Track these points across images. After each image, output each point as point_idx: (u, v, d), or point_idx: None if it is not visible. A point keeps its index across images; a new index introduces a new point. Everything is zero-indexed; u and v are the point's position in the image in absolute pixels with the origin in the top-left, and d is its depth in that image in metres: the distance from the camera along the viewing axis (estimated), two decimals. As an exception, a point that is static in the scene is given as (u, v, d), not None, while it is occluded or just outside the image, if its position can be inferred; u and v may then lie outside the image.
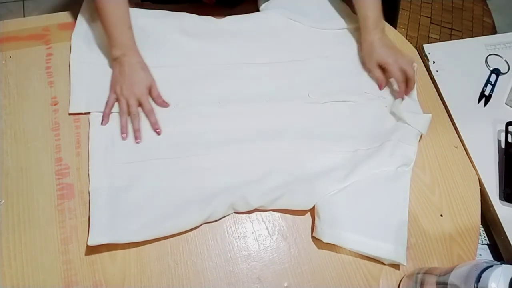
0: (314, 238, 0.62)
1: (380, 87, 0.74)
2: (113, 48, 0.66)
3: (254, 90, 0.71)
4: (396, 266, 0.61)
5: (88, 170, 0.61)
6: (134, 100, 0.65)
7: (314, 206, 0.62)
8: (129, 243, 0.58)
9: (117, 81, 0.66)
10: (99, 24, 0.70)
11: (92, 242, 0.55)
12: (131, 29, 0.67)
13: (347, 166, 0.65)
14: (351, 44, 0.79)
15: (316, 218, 0.61)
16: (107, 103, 0.65)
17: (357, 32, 0.79)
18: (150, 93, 0.67)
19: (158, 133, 0.65)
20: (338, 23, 0.81)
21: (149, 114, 0.66)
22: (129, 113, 0.65)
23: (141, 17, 0.74)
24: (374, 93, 0.75)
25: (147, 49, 0.70)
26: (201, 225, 0.60)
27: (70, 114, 0.66)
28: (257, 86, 0.72)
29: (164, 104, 0.67)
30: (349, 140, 0.68)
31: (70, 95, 0.67)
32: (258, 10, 0.82)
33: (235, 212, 0.62)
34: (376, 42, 0.73)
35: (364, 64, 0.77)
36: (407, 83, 0.72)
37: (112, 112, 0.66)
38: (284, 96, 0.71)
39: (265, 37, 0.77)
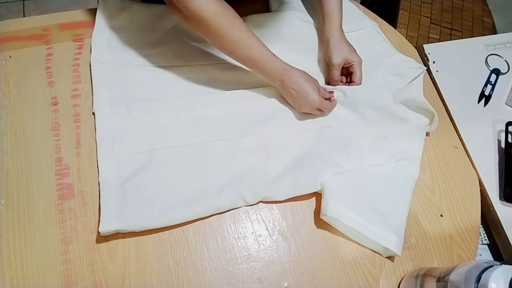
0: (314, 239, 0.62)
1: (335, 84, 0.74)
2: (271, 82, 0.68)
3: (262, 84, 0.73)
4: (396, 266, 0.61)
5: (97, 161, 0.61)
6: (318, 112, 0.69)
7: (319, 194, 0.63)
8: (129, 241, 0.58)
9: (295, 105, 0.69)
10: (118, 24, 0.73)
11: (103, 229, 0.55)
12: (271, 55, 0.65)
13: (347, 148, 0.67)
14: (363, 45, 0.79)
15: (322, 199, 0.62)
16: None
17: (370, 33, 0.80)
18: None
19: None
20: (350, 26, 0.81)
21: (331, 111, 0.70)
22: None
23: (158, 18, 0.75)
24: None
25: (167, 47, 0.72)
26: (209, 216, 0.61)
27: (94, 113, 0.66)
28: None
29: (331, 94, 0.71)
30: (349, 121, 0.70)
31: (92, 94, 0.67)
32: (245, 8, 0.82)
33: (239, 208, 0.62)
34: (343, 40, 0.73)
35: (329, 58, 0.73)
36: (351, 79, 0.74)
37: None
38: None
39: (281, 38, 0.77)
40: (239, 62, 0.67)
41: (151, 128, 0.65)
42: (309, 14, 0.81)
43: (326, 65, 0.77)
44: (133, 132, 0.64)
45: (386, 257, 0.62)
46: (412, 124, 0.71)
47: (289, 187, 0.63)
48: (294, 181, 0.63)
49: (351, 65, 0.72)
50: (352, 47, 0.73)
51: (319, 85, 0.68)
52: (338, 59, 0.71)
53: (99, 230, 0.55)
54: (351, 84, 0.73)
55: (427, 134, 0.72)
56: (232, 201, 0.61)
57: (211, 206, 0.60)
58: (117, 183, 0.60)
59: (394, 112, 0.71)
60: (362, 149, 0.68)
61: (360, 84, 0.72)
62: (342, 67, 0.73)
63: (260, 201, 0.63)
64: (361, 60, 0.72)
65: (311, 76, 0.68)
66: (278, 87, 0.69)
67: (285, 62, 0.66)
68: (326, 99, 0.69)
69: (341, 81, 0.74)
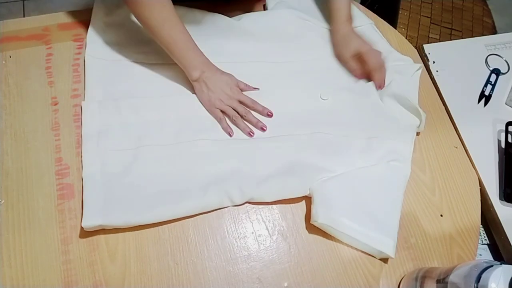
0: (314, 239, 0.62)
1: (359, 77, 0.75)
2: (190, 71, 0.66)
3: (258, 85, 0.72)
4: (396, 266, 0.61)
5: (81, 156, 0.61)
6: (237, 103, 0.68)
7: (309, 197, 0.63)
8: (129, 241, 0.58)
9: (211, 98, 0.67)
10: (113, 20, 0.73)
11: (86, 224, 0.55)
12: (195, 44, 0.66)
13: (337, 152, 0.66)
14: None
15: (312, 204, 0.61)
16: (219, 121, 0.67)
17: (368, 31, 0.80)
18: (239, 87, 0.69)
19: (270, 116, 0.68)
20: None
21: (255, 106, 0.69)
22: (241, 115, 0.68)
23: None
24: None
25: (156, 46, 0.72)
26: (197, 215, 0.60)
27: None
28: (263, 82, 0.72)
29: (255, 89, 0.71)
30: (339, 124, 0.69)
31: (85, 89, 0.67)
32: (249, 6, 0.83)
33: (234, 206, 0.62)
34: (350, 33, 0.74)
35: (338, 56, 0.76)
36: (379, 72, 0.73)
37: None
38: (292, 95, 0.72)
39: (276, 36, 0.77)
40: (161, 45, 0.65)
41: (138, 125, 0.65)
42: (307, 13, 0.81)
43: (326, 62, 0.77)
44: (120, 128, 0.64)
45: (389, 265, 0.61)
46: (403, 124, 0.71)
47: (277, 189, 0.62)
48: (282, 185, 0.62)
49: (362, 54, 0.72)
50: (361, 38, 0.74)
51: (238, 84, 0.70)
52: (347, 53, 0.73)
53: (82, 225, 0.55)
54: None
55: (418, 134, 0.72)
56: (218, 200, 0.61)
57: (197, 205, 0.60)
58: (102, 178, 0.59)
59: (385, 111, 0.71)
60: (353, 151, 0.67)
61: (381, 69, 0.72)
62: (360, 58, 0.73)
63: (247, 202, 0.62)
64: (371, 47, 0.73)
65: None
66: (193, 78, 0.67)
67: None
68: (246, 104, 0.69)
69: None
